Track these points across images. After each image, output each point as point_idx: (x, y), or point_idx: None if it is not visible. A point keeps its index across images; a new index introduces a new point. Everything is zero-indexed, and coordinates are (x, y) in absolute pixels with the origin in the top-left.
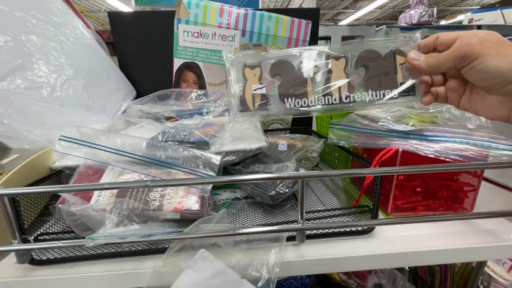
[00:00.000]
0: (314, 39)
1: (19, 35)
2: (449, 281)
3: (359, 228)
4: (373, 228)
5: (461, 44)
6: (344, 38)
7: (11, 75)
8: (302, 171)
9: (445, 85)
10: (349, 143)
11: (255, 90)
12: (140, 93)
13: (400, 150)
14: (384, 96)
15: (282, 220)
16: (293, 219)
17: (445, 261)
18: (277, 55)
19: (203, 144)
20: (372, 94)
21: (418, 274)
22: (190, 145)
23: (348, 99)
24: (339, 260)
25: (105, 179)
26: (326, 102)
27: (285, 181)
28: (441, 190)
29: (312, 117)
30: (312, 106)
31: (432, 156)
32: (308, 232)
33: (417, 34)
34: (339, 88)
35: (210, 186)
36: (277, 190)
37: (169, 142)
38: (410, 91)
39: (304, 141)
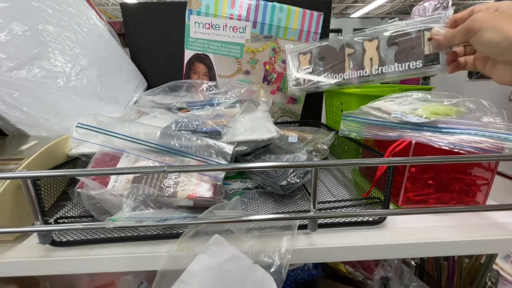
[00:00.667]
0: (325, 31)
1: (36, 24)
2: (456, 277)
3: (370, 219)
4: (385, 219)
5: (470, 19)
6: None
7: (29, 64)
8: (316, 160)
9: (474, 55)
10: (360, 135)
11: (304, 69)
12: (150, 85)
13: (413, 142)
14: (409, 67)
15: (293, 210)
16: (303, 209)
17: (456, 253)
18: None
19: (215, 134)
20: (399, 66)
21: (425, 269)
22: (203, 135)
23: (377, 71)
24: (350, 249)
25: (121, 166)
26: (359, 75)
27: (297, 171)
28: (454, 183)
29: (321, 110)
30: (347, 79)
31: (446, 148)
32: (320, 221)
33: (450, 11)
34: (371, 61)
35: (222, 175)
36: (288, 180)
37: (182, 131)
38: (434, 61)
39: (314, 134)
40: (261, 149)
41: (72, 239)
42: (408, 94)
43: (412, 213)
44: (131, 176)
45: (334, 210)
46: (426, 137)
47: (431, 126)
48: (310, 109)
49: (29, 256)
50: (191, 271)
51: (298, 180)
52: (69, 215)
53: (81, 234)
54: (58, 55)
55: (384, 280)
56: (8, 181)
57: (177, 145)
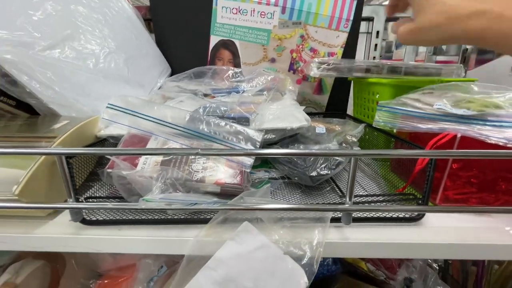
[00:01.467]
0: (357, 19)
1: (68, 5)
2: (484, 283)
3: (407, 215)
4: (423, 216)
5: None
6: (389, 20)
7: (60, 44)
8: (356, 149)
9: None
10: (397, 127)
11: None
12: (174, 71)
13: (459, 135)
14: None
15: (322, 202)
16: (332, 202)
17: (499, 257)
18: None
19: (243, 120)
20: None
21: (449, 272)
22: (231, 121)
23: None
24: (386, 245)
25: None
26: None
27: (327, 162)
28: (500, 183)
29: (347, 101)
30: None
31: (500, 143)
32: (353, 214)
33: None
34: None
35: (251, 162)
36: (318, 171)
37: (211, 117)
38: None
39: (342, 126)
40: (287, 138)
41: (101, 218)
42: (449, 85)
43: (455, 211)
44: (160, 159)
45: (369, 204)
46: (475, 131)
47: (481, 119)
48: (336, 101)
49: (60, 232)
50: (219, 257)
51: (328, 172)
52: (96, 195)
53: (109, 214)
54: (88, 36)
55: (407, 281)
56: (42, 157)
57: (205, 130)
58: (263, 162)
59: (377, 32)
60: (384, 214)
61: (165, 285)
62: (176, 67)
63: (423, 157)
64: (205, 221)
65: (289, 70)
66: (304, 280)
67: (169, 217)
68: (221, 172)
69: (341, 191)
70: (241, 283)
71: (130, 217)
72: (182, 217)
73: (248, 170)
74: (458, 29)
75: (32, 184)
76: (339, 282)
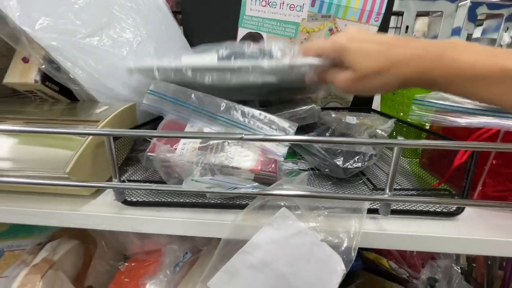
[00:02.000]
0: (388, 13)
1: None
2: None
3: (444, 210)
4: (462, 210)
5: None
6: (419, 15)
7: (99, 32)
8: (400, 139)
9: None
10: (434, 121)
11: None
12: None
13: (503, 130)
14: None
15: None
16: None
17: None
18: None
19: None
20: None
21: (472, 275)
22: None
23: None
24: (423, 238)
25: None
26: None
27: (360, 154)
28: None
29: (373, 96)
30: None
31: None
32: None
33: None
34: None
35: (285, 150)
36: (352, 162)
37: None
38: None
39: (371, 120)
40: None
41: (141, 200)
42: None
43: (498, 206)
44: (197, 145)
45: (408, 196)
46: None
47: None
48: (362, 95)
49: (103, 211)
50: (255, 242)
51: (361, 164)
52: (130, 179)
53: (149, 196)
54: (123, 24)
55: (431, 281)
56: (89, 139)
57: (240, 119)
58: (290, 154)
59: (407, 27)
60: (421, 208)
61: (190, 271)
62: None
63: (470, 149)
64: (241, 207)
65: None
66: (341, 267)
67: (206, 201)
68: (255, 160)
69: (373, 184)
70: (277, 267)
71: (169, 200)
72: (219, 201)
73: (282, 159)
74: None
75: (79, 163)
76: (361, 278)
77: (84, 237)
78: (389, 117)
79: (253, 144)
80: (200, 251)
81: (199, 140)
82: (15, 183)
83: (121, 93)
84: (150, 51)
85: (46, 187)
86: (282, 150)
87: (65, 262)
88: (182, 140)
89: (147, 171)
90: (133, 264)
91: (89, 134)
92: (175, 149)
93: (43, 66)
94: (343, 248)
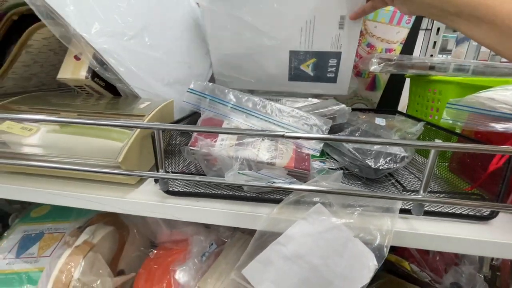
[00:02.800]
0: (419, 16)
1: None
2: None
3: (478, 214)
4: (497, 214)
5: None
6: None
7: (140, 33)
8: (437, 141)
9: None
10: (468, 126)
11: None
12: None
13: None
14: None
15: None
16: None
17: None
18: None
19: None
20: None
21: (497, 285)
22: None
23: None
24: (455, 240)
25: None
26: None
27: (392, 156)
28: None
29: (399, 99)
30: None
31: None
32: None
33: None
34: None
35: (320, 146)
36: (383, 163)
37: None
38: None
39: (399, 122)
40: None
41: (182, 190)
42: None
43: None
44: (234, 141)
45: (442, 198)
46: None
47: None
48: (388, 97)
49: (147, 199)
50: (290, 234)
51: (393, 165)
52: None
53: (188, 187)
54: (160, 24)
55: (454, 286)
56: (137, 131)
57: (275, 115)
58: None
59: (438, 29)
60: (453, 210)
61: (216, 261)
62: None
63: (508, 154)
64: (276, 201)
65: None
66: (373, 263)
67: (242, 194)
68: (289, 157)
69: (402, 186)
70: (310, 260)
71: (208, 191)
72: (254, 195)
73: (318, 154)
74: None
75: (128, 154)
76: (381, 279)
77: (118, 224)
78: (417, 119)
79: (290, 141)
80: (224, 243)
81: (236, 136)
82: (74, 170)
83: (160, 91)
84: (184, 50)
85: (97, 175)
86: (317, 146)
87: (103, 246)
88: (221, 136)
89: (182, 163)
90: (161, 252)
91: (144, 128)
92: (215, 143)
93: (96, 69)
94: (375, 245)
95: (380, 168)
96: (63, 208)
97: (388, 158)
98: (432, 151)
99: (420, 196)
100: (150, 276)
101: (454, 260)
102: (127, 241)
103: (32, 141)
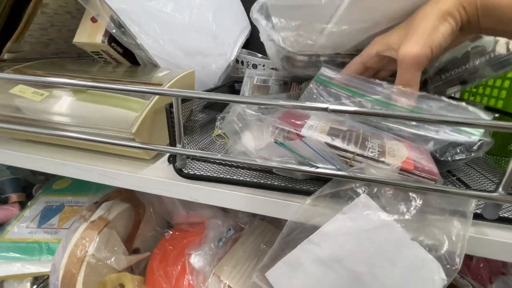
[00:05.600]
0: None
1: None
2: None
3: None
4: None
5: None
6: None
7: None
8: None
9: None
10: None
11: None
12: (254, 30)
13: None
14: None
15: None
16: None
17: None
18: None
19: None
20: None
21: None
22: None
23: None
24: None
25: (312, 120)
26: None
27: (464, 144)
28: None
29: None
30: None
31: None
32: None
33: None
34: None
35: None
36: (453, 153)
37: None
38: None
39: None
40: None
41: (198, 173)
42: None
43: None
44: (327, 127)
45: None
46: None
47: None
48: None
49: (162, 176)
50: (325, 231)
51: (465, 155)
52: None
53: (206, 171)
54: None
55: None
56: (153, 101)
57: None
58: None
59: None
60: None
61: (233, 248)
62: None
63: None
64: (308, 193)
65: None
66: (440, 276)
67: (269, 182)
68: (405, 154)
69: (466, 185)
70: (350, 266)
71: (228, 177)
72: (283, 184)
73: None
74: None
75: (143, 125)
76: None
77: (134, 201)
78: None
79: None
80: (242, 229)
81: (328, 126)
82: (85, 140)
83: (180, 60)
84: (209, 17)
85: (110, 147)
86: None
87: (118, 222)
88: (309, 123)
89: (199, 143)
90: (176, 233)
91: (161, 94)
92: (302, 125)
93: (113, 31)
94: (442, 252)
95: (449, 160)
96: (83, 181)
97: (459, 147)
98: None
99: (497, 194)
100: (165, 257)
101: (500, 269)
102: (143, 220)
103: (44, 107)
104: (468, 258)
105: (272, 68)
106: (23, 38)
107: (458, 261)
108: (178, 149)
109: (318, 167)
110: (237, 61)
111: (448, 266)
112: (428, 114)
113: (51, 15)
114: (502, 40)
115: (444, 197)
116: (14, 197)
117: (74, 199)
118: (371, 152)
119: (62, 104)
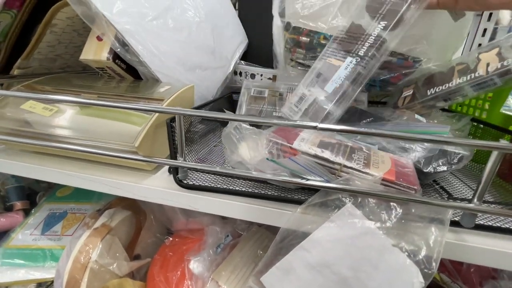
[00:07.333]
0: None
1: None
2: None
3: None
4: None
5: None
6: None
7: (163, 14)
8: (503, 142)
9: None
10: None
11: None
12: (251, 43)
13: None
14: None
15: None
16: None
17: None
18: None
19: None
20: None
21: None
22: None
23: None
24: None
25: (303, 136)
26: (469, 78)
27: (447, 157)
28: None
29: None
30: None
31: None
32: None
33: None
34: (487, 64)
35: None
36: (435, 166)
37: None
38: None
39: (443, 118)
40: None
41: (197, 183)
42: None
43: None
44: (318, 140)
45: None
46: None
47: None
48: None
49: (163, 187)
50: (315, 238)
51: (447, 168)
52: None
53: (204, 181)
54: (184, 5)
55: None
56: (155, 116)
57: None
58: None
59: (490, 14)
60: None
61: (231, 254)
62: (253, 40)
63: None
64: (299, 202)
65: None
66: (418, 280)
67: (263, 192)
68: (388, 167)
69: (448, 193)
70: (338, 270)
71: (226, 187)
72: (276, 194)
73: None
74: None
75: (145, 139)
76: None
77: (136, 209)
78: (459, 115)
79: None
80: (240, 236)
81: (318, 140)
82: (91, 153)
83: (181, 75)
84: (207, 33)
85: (114, 159)
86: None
87: (120, 229)
88: (301, 135)
89: (198, 153)
90: (176, 239)
91: (163, 112)
92: (293, 139)
93: (118, 49)
94: (421, 258)
95: (431, 171)
96: (86, 189)
97: (441, 160)
98: (495, 153)
99: (473, 205)
100: (165, 263)
101: (491, 273)
102: (144, 227)
103: (53, 121)
104: (458, 263)
105: (269, 78)
106: (32, 55)
107: (435, 265)
108: (179, 162)
109: (308, 179)
110: (235, 72)
111: (426, 270)
112: (402, 132)
113: (59, 34)
114: (483, 61)
115: (424, 205)
116: (18, 204)
117: (77, 206)
118: (357, 163)
119: (70, 119)
